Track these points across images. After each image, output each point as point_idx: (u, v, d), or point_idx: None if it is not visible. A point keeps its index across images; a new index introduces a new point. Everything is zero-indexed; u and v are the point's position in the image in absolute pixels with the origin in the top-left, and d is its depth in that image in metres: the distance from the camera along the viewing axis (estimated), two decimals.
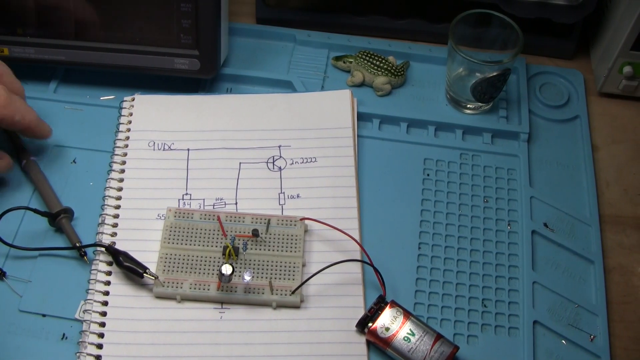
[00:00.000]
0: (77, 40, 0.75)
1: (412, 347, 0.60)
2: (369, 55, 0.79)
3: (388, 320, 0.61)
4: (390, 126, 0.77)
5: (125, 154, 0.72)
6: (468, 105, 0.77)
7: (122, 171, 0.71)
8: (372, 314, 0.61)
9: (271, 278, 0.64)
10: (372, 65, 0.78)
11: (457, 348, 0.60)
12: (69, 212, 0.67)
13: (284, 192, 0.70)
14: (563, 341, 0.64)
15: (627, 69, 0.77)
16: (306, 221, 0.67)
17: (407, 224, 0.70)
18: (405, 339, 0.60)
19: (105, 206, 0.68)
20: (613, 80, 0.79)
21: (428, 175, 0.73)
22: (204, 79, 0.78)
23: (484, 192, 0.72)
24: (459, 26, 0.73)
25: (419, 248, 0.68)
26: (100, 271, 0.64)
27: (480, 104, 0.77)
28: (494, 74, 0.72)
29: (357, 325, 0.61)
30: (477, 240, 0.69)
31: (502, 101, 0.79)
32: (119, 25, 0.74)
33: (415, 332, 0.60)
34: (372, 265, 0.64)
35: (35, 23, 0.74)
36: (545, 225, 0.70)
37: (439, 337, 0.60)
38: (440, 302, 0.65)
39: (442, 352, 0.60)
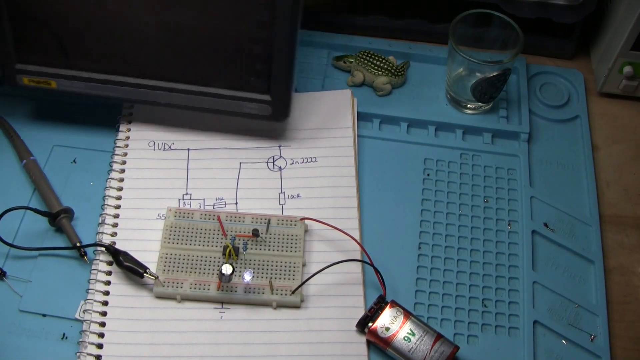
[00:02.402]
0: (136, 77, 0.70)
1: (412, 347, 0.60)
2: (370, 55, 0.79)
3: (388, 320, 0.61)
4: (390, 126, 0.77)
5: (125, 154, 0.72)
6: (468, 105, 0.77)
7: (123, 171, 0.71)
8: (372, 313, 0.61)
9: (271, 278, 0.64)
10: (373, 65, 0.78)
11: (457, 348, 0.60)
12: (69, 212, 0.67)
13: (284, 192, 0.70)
14: (563, 341, 0.64)
15: (627, 69, 0.77)
16: (306, 221, 0.67)
17: (408, 224, 0.69)
18: (406, 338, 0.60)
19: (106, 206, 0.68)
20: (613, 80, 0.79)
21: (428, 175, 0.73)
22: None
23: (484, 192, 0.72)
24: (459, 26, 0.73)
25: (419, 248, 0.68)
26: (100, 271, 0.64)
27: (480, 104, 0.77)
28: (494, 74, 0.72)
29: (357, 325, 0.61)
30: (477, 240, 0.69)
31: (503, 101, 0.79)
32: (184, 66, 0.69)
33: (415, 332, 0.60)
34: (372, 265, 0.64)
35: (88, 56, 0.70)
36: (546, 225, 0.70)
37: (439, 336, 0.60)
38: (440, 302, 0.65)
39: (443, 351, 0.60)
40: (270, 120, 0.71)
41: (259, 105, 0.70)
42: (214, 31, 0.67)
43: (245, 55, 0.67)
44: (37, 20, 0.68)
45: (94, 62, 0.70)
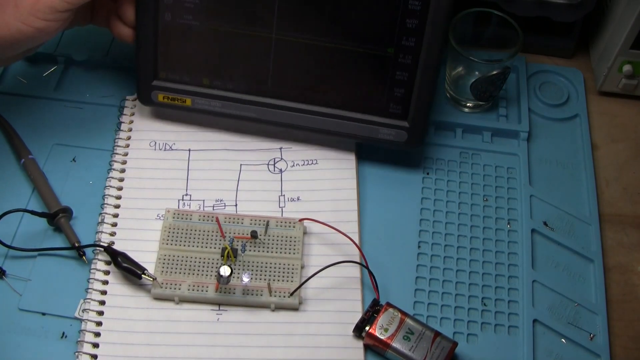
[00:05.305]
0: (271, 98, 0.69)
1: (412, 346, 0.60)
2: None
3: (386, 322, 0.61)
4: None
5: (126, 154, 0.72)
6: (468, 104, 0.77)
7: (123, 171, 0.71)
8: (368, 317, 0.61)
9: (270, 280, 0.63)
10: None
11: (456, 344, 0.60)
12: (67, 212, 0.67)
13: (284, 195, 0.70)
14: (563, 340, 0.64)
15: (626, 68, 0.77)
16: (305, 223, 0.67)
17: (407, 223, 0.69)
18: (405, 337, 0.60)
19: (105, 205, 0.68)
20: (613, 79, 0.79)
21: (428, 174, 0.73)
22: None
23: (483, 191, 0.72)
24: (459, 25, 0.73)
25: (419, 247, 0.68)
26: (98, 270, 0.64)
27: (480, 102, 0.77)
28: (494, 72, 0.72)
29: (354, 331, 0.61)
30: (476, 239, 0.69)
31: (502, 100, 0.79)
32: (322, 88, 0.69)
33: (414, 330, 0.60)
34: (367, 267, 0.64)
35: (226, 75, 0.70)
36: (545, 224, 0.70)
37: (437, 333, 0.60)
38: (439, 301, 0.65)
39: (443, 347, 0.60)
40: (402, 147, 0.70)
41: (395, 132, 0.69)
42: (358, 54, 0.66)
43: (388, 80, 0.67)
44: (179, 40, 0.68)
45: (231, 81, 0.70)
